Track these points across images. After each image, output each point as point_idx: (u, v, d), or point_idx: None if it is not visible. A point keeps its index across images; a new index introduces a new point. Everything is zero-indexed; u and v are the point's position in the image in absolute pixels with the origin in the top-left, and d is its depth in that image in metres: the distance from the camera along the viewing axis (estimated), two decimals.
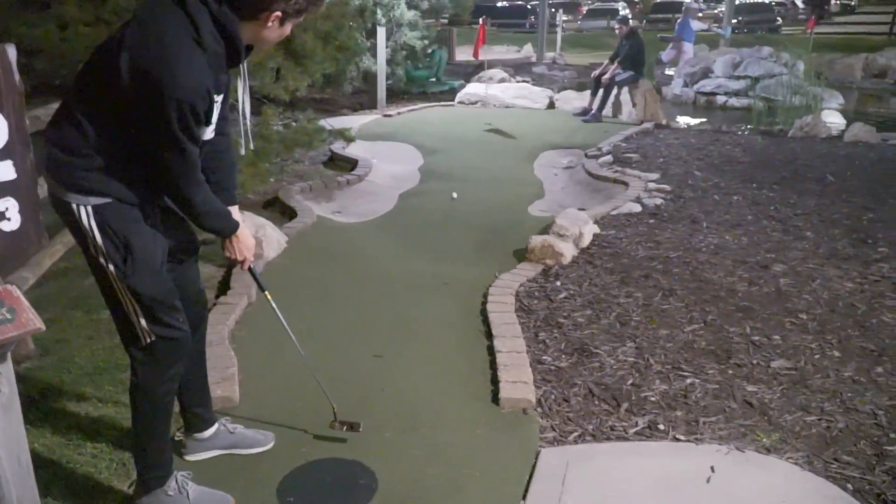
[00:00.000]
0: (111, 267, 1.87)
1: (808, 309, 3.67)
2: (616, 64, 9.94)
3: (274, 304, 2.38)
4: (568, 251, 4.36)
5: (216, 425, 2.43)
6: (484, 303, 3.73)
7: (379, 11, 10.09)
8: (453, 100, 11.62)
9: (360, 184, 6.45)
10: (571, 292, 3.91)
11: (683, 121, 10.83)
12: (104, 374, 2.94)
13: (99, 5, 4.47)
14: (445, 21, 19.66)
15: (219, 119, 1.96)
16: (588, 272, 4.19)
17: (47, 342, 3.19)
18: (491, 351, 3.20)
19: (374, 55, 10.49)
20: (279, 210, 5.51)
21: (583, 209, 5.34)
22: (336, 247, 4.70)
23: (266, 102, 5.54)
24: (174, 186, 1.88)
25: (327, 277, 4.16)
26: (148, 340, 1.96)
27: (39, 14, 4.54)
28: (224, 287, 3.81)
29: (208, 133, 1.92)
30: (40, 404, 2.71)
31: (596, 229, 4.84)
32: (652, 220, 5.19)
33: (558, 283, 4.02)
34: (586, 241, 4.60)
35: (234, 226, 2.09)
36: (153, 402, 2.06)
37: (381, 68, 10.56)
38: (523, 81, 13.29)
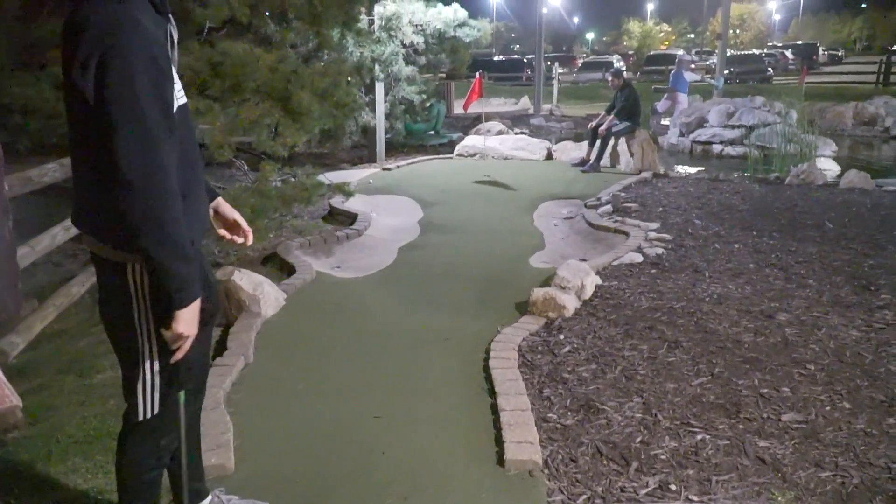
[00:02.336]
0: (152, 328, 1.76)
1: (816, 359, 3.60)
2: (612, 115, 10.06)
3: (182, 401, 1.92)
4: (570, 304, 4.31)
5: (209, 497, 2.33)
6: (486, 358, 3.66)
7: (377, 67, 10.25)
8: (452, 152, 11.72)
9: (359, 238, 6.43)
10: (575, 346, 3.84)
11: (681, 170, 10.89)
12: (95, 442, 2.85)
13: None
14: (443, 75, 20.00)
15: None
16: (591, 325, 4.13)
17: (37, 409, 3.11)
18: (494, 409, 3.11)
19: (373, 110, 10.63)
20: (278, 266, 5.46)
21: (584, 259, 5.31)
22: (335, 302, 4.65)
23: (264, 158, 5.56)
24: (137, 186, 1.55)
25: (326, 334, 4.10)
26: (152, 413, 1.88)
27: (35, 74, 4.58)
28: (220, 348, 3.74)
29: (178, 92, 1.77)
30: (27, 476, 2.61)
31: (598, 280, 4.80)
32: (654, 270, 5.15)
33: (561, 337, 3.96)
34: (588, 293, 4.55)
35: (196, 293, 1.72)
36: (140, 476, 1.97)
37: (379, 122, 10.69)
38: (521, 133, 13.46)
